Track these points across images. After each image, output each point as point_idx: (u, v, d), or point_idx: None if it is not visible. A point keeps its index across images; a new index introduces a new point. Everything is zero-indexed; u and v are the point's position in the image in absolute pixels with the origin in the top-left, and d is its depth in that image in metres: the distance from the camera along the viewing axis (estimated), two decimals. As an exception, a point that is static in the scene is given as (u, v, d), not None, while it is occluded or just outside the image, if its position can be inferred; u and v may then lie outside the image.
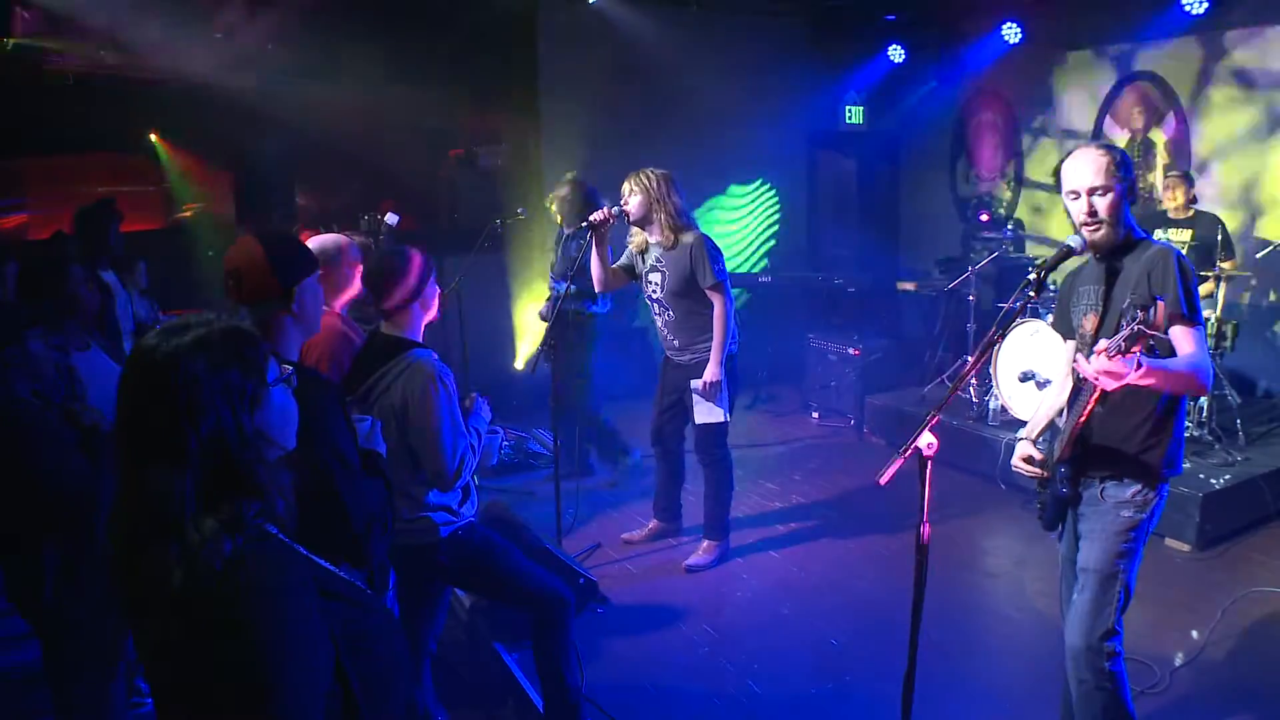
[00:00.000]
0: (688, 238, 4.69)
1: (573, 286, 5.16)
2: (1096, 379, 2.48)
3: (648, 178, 4.68)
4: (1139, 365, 2.38)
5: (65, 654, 3.25)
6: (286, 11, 6.76)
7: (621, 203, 4.71)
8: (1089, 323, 2.85)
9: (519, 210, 6.03)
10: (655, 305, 4.90)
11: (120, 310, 4.88)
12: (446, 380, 2.94)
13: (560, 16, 8.19)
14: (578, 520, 5.46)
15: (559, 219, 5.89)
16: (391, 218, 5.82)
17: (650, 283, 4.85)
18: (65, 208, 5.18)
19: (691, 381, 4.77)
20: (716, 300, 4.72)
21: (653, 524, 5.37)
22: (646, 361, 7.27)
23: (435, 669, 3.53)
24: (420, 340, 3.06)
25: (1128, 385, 2.49)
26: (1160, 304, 2.40)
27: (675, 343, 4.89)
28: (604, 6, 8.13)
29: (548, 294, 5.97)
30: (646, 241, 4.83)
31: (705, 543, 5.10)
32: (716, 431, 4.91)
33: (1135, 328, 2.34)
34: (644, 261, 4.88)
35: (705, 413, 4.82)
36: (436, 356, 3.00)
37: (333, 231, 3.67)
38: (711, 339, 4.73)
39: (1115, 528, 2.83)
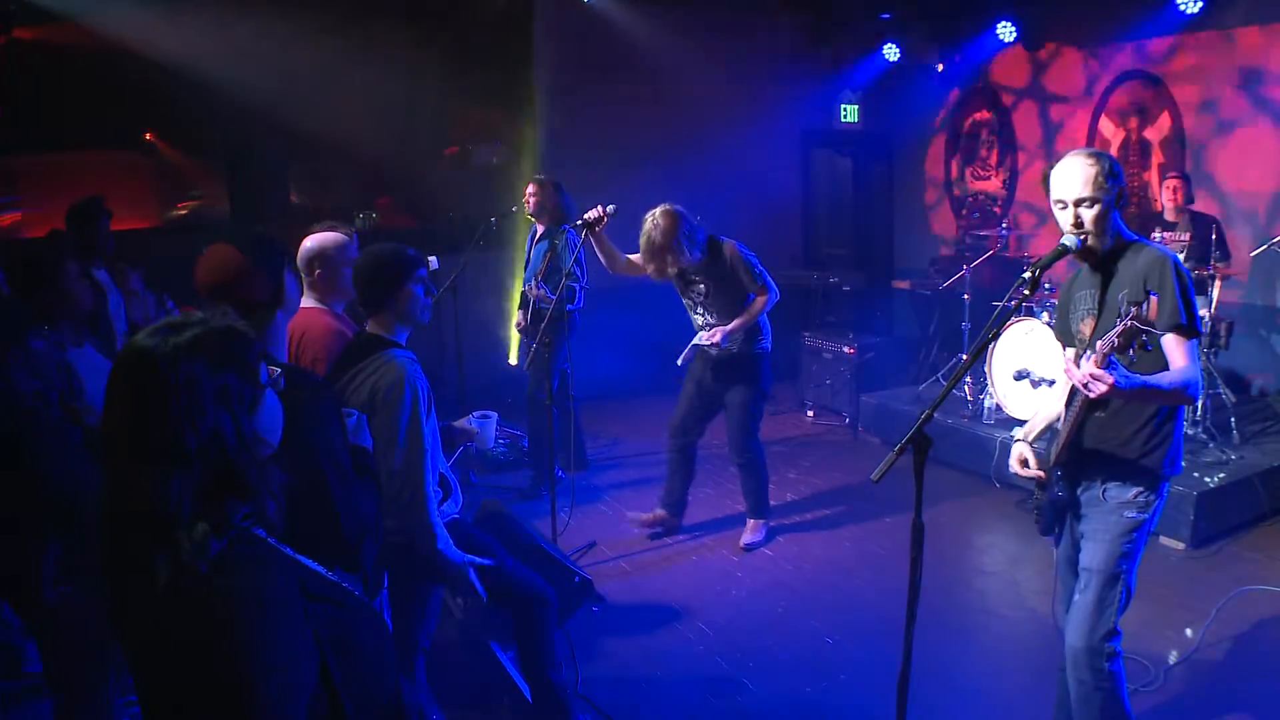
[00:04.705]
0: (723, 250, 4.84)
1: (542, 287, 5.44)
2: (1084, 385, 2.50)
3: (653, 238, 4.71)
4: (1123, 380, 2.43)
5: (61, 652, 3.25)
6: (283, 9, 6.75)
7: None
8: (1087, 327, 2.86)
9: (514, 208, 6.02)
10: (698, 307, 5.04)
11: (113, 309, 4.86)
12: (418, 385, 2.91)
13: (556, 14, 8.19)
14: (572, 516, 5.46)
15: (539, 222, 5.96)
16: (433, 261, 5.73)
17: (695, 294, 5.00)
18: (60, 206, 5.15)
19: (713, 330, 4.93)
20: (760, 297, 4.91)
21: (659, 511, 5.41)
22: (633, 358, 7.32)
23: (430, 667, 3.52)
24: (402, 342, 3.03)
25: (1121, 395, 2.52)
26: (1154, 299, 2.41)
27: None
28: (599, 4, 8.13)
29: (529, 296, 5.97)
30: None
31: (751, 522, 5.29)
32: (748, 431, 5.09)
33: (1129, 324, 2.36)
34: (682, 276, 4.97)
35: (691, 344, 5.03)
36: (414, 359, 2.96)
37: (324, 224, 3.63)
38: (749, 335, 4.95)
39: (1118, 529, 2.83)
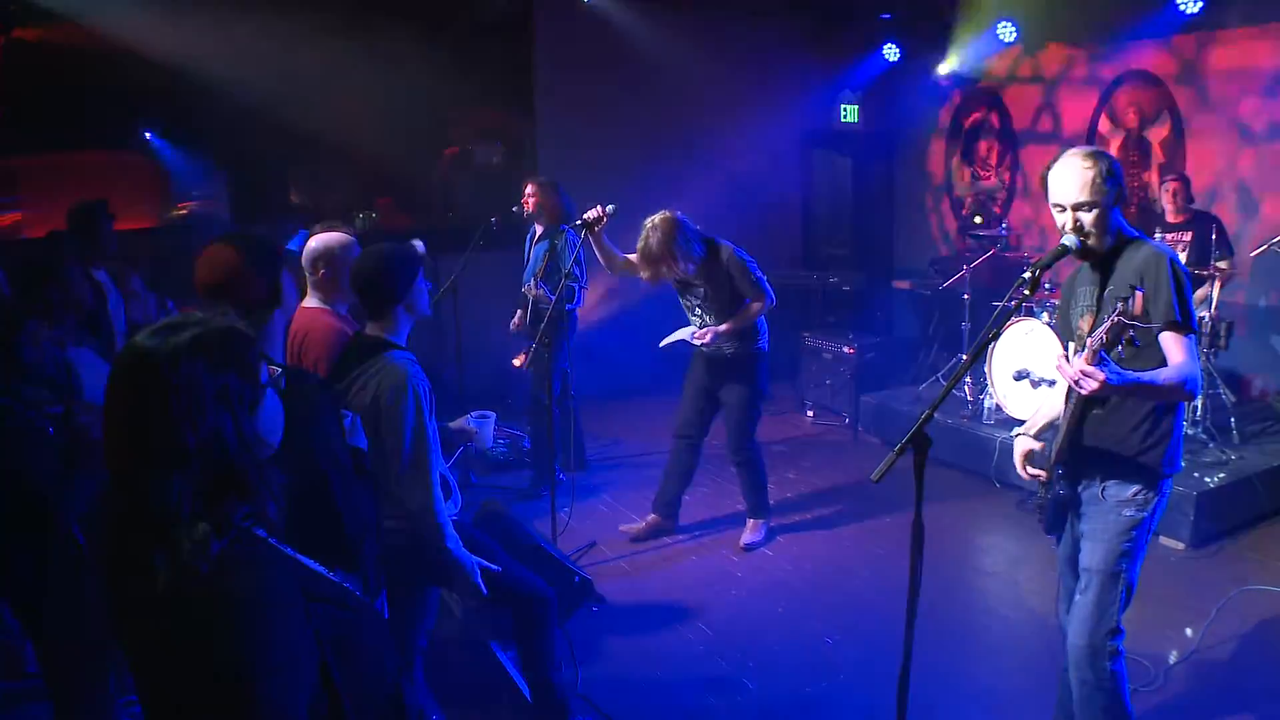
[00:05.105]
0: (721, 254, 4.83)
1: (542, 286, 5.49)
2: (1075, 382, 2.50)
3: (650, 244, 4.69)
4: (1114, 377, 2.42)
5: (60, 652, 3.25)
6: (283, 9, 6.75)
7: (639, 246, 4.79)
8: (1085, 323, 2.86)
9: (514, 208, 6.02)
10: (696, 309, 5.04)
11: (113, 309, 4.86)
12: (420, 386, 2.90)
13: (555, 15, 8.21)
14: (572, 516, 5.46)
15: (538, 223, 5.95)
16: (420, 244, 5.70)
17: (693, 296, 5.00)
18: (60, 206, 5.14)
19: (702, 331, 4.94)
20: (755, 304, 4.90)
21: (652, 517, 5.38)
22: (633, 358, 7.31)
23: (429, 667, 3.53)
24: (403, 343, 3.01)
25: (1114, 391, 2.52)
26: (1139, 294, 2.41)
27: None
28: (599, 5, 8.13)
29: (528, 296, 5.96)
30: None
31: (751, 521, 5.31)
32: (745, 431, 5.11)
33: (1115, 319, 2.36)
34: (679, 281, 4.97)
35: (678, 335, 5.07)
36: (414, 360, 2.94)
37: (325, 224, 3.63)
38: (745, 336, 4.95)
39: (1117, 527, 2.83)
